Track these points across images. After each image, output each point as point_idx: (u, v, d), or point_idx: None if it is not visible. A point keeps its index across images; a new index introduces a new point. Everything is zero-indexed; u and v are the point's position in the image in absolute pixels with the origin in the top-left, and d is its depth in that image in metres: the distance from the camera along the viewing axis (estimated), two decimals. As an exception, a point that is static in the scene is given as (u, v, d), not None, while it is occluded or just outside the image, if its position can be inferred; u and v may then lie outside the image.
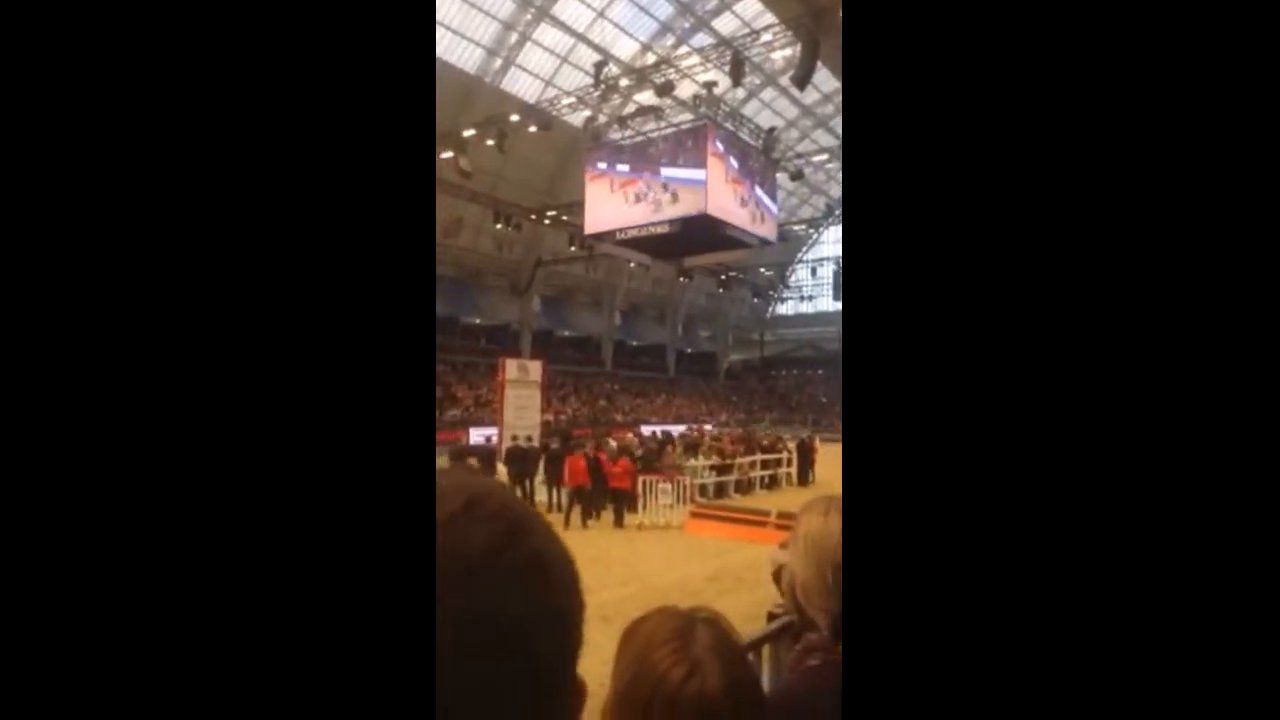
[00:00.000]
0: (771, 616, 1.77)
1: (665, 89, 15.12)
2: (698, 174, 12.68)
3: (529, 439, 12.16)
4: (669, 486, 10.31)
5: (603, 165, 13.89)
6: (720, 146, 13.13)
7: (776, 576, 1.43)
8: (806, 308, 38.79)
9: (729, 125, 14.59)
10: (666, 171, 12.98)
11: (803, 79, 13.27)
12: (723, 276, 28.45)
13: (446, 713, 0.35)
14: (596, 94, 16.66)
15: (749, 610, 2.96)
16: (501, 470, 10.46)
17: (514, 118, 16.84)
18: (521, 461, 10.77)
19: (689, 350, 38.49)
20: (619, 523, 9.91)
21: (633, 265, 24.40)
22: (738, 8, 22.48)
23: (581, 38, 22.34)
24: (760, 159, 14.76)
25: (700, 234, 13.26)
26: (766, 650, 1.70)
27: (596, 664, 0.47)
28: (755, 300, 40.02)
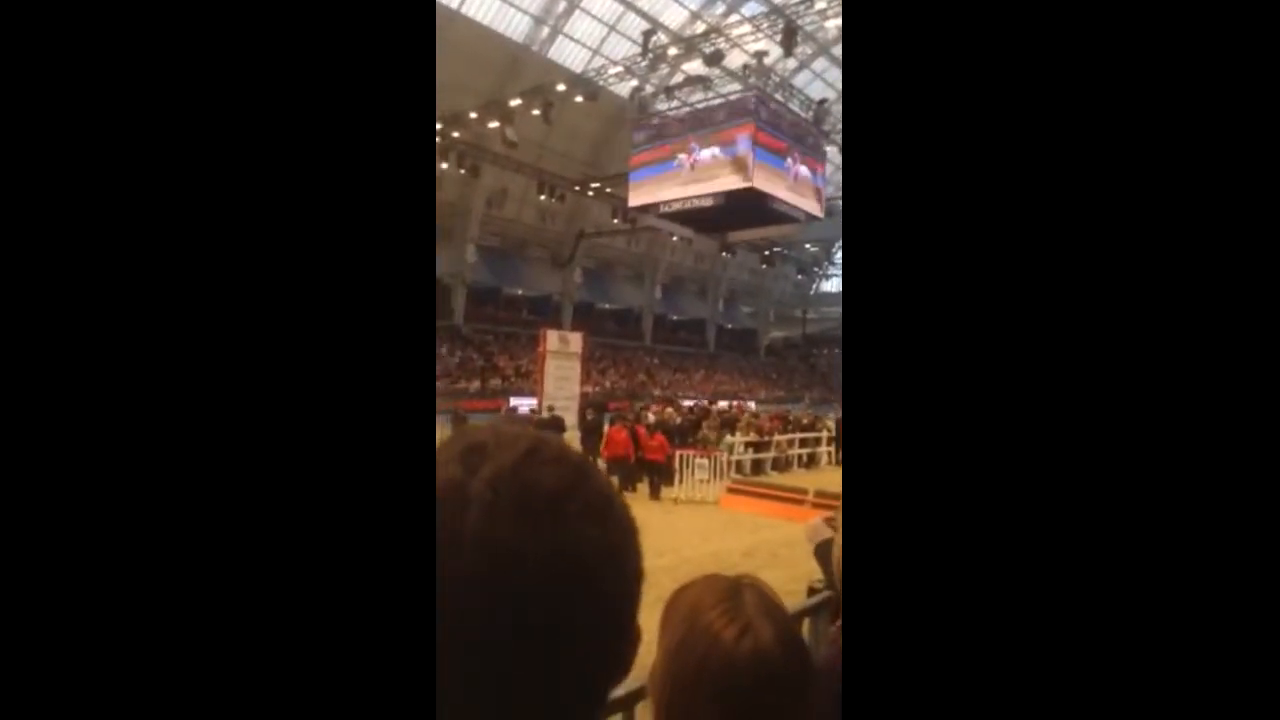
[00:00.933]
0: (812, 591, 1.75)
1: (714, 58, 14.81)
2: (744, 148, 12.45)
3: (550, 409, 12.30)
4: (705, 461, 10.33)
5: (649, 144, 13.72)
6: (769, 119, 12.85)
7: (818, 552, 1.40)
8: (852, 286, 37.93)
9: (779, 96, 14.26)
10: (712, 148, 12.78)
11: (857, 48, 12.82)
12: (766, 252, 28.08)
13: (522, 651, 0.37)
14: (644, 63, 16.43)
15: (785, 586, 2.94)
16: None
17: (560, 87, 16.74)
18: (559, 430, 10.91)
19: (730, 326, 38.28)
20: (655, 495, 9.98)
21: (675, 239, 24.27)
22: (791, -26, 21.87)
23: (630, 5, 22.03)
24: (810, 132, 14.42)
25: (745, 208, 13.08)
26: (806, 624, 1.68)
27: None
28: (799, 277, 39.45)
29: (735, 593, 0.73)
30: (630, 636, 0.42)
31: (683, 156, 13.14)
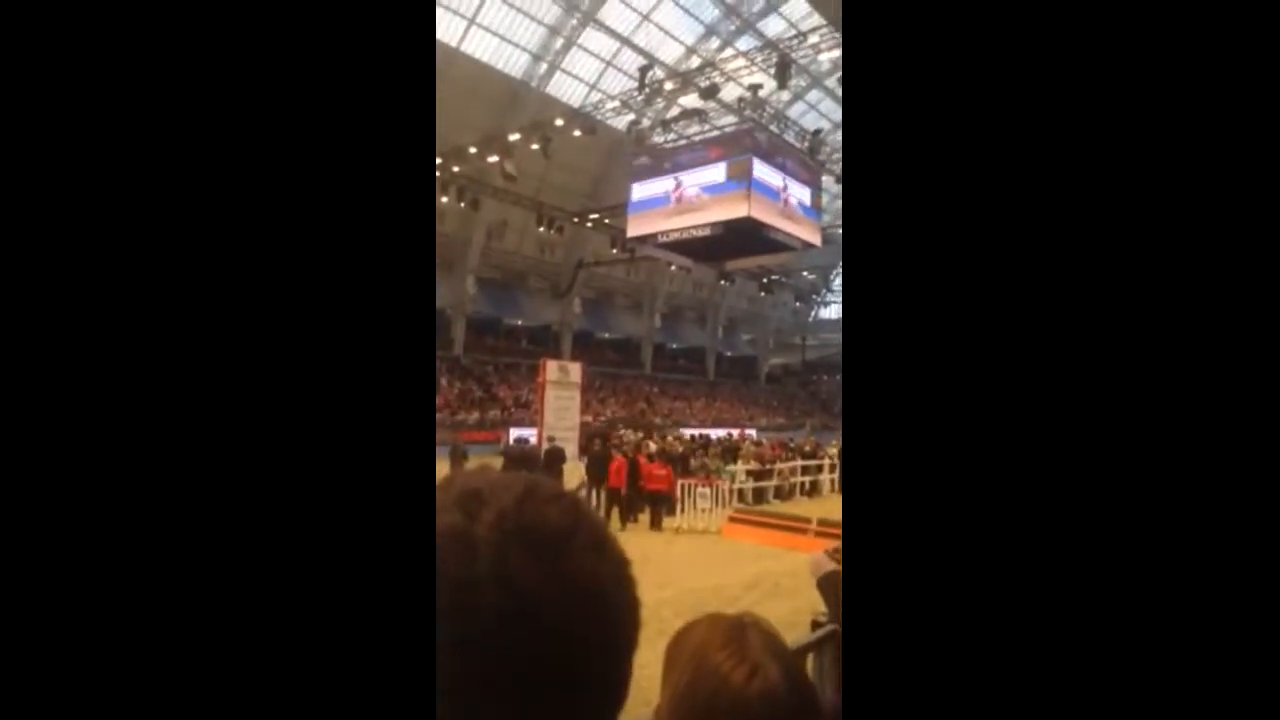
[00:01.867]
0: (816, 625, 1.73)
1: (710, 92, 15.05)
2: (742, 179, 12.60)
3: (550, 439, 12.27)
4: (707, 491, 10.25)
5: (646, 179, 13.87)
6: (764, 151, 13.03)
7: (822, 585, 1.38)
8: (850, 313, 38.00)
9: (774, 128, 14.46)
10: (710, 180, 12.94)
11: (850, 80, 13.02)
12: (765, 280, 28.24)
13: (534, 685, 0.38)
14: (641, 98, 16.70)
15: (789, 618, 2.90)
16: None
17: (558, 122, 16.99)
18: (559, 462, 10.83)
19: (729, 354, 38.31)
20: (656, 525, 9.88)
21: (674, 268, 24.42)
22: (784, 9, 22.34)
23: (627, 42, 22.46)
24: (806, 162, 14.60)
25: (743, 237, 13.18)
26: (810, 659, 1.65)
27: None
28: (798, 304, 39.58)
29: (740, 632, 0.72)
30: (630, 666, 0.44)
31: (671, 191, 13.29)
